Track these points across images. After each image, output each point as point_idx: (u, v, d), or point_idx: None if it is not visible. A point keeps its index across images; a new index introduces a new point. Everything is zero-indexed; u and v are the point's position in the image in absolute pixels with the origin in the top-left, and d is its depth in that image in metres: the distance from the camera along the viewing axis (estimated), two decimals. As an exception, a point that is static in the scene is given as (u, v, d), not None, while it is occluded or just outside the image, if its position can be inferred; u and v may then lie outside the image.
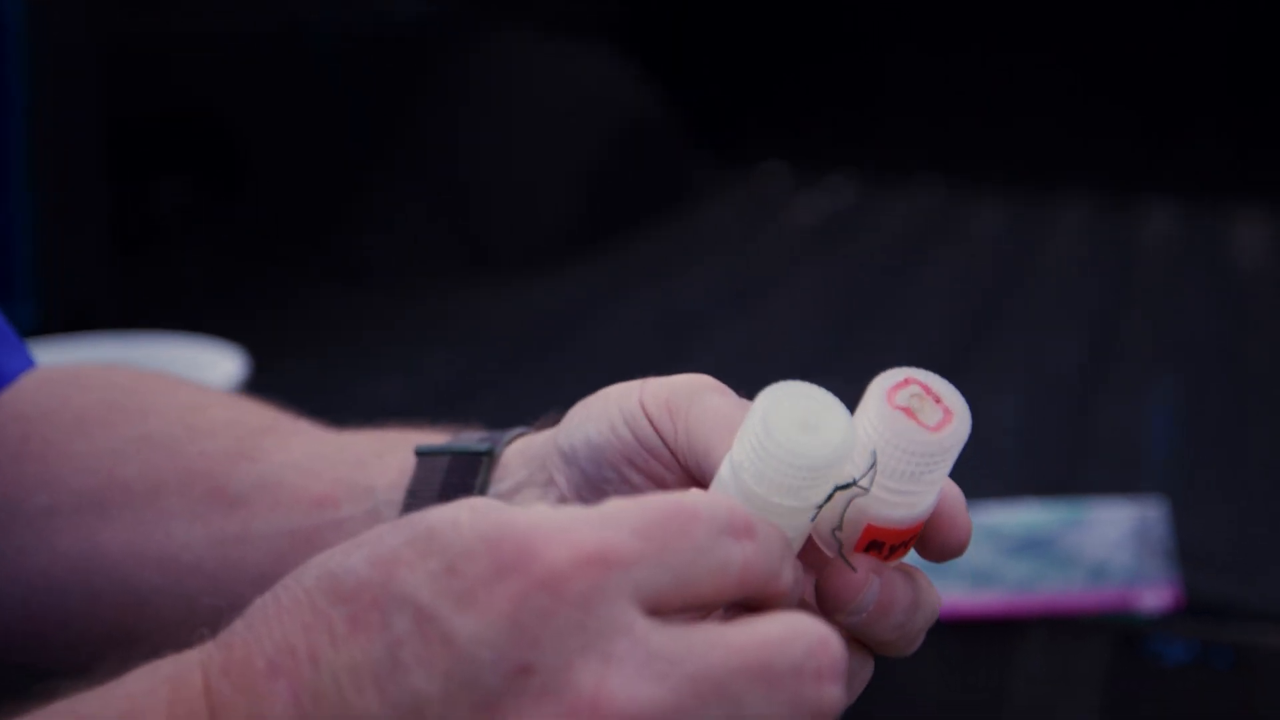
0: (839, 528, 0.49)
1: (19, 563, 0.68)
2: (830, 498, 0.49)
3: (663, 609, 0.43)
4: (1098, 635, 1.20)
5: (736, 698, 0.42)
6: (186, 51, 2.05)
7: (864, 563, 0.50)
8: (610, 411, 0.55)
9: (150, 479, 0.67)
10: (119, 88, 1.86)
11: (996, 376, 1.91)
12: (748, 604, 0.45)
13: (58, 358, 1.34)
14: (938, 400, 0.48)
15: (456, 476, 0.59)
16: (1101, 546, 1.29)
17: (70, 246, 1.78)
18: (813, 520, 0.49)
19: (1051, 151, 2.98)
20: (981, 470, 1.59)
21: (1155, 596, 1.21)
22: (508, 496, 0.57)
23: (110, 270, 1.81)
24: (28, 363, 0.74)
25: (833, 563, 0.50)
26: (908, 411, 0.48)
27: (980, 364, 1.98)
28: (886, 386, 0.48)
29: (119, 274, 1.83)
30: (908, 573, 0.51)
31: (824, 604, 0.50)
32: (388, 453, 0.63)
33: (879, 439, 0.48)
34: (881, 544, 0.50)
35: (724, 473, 0.50)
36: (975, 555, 1.30)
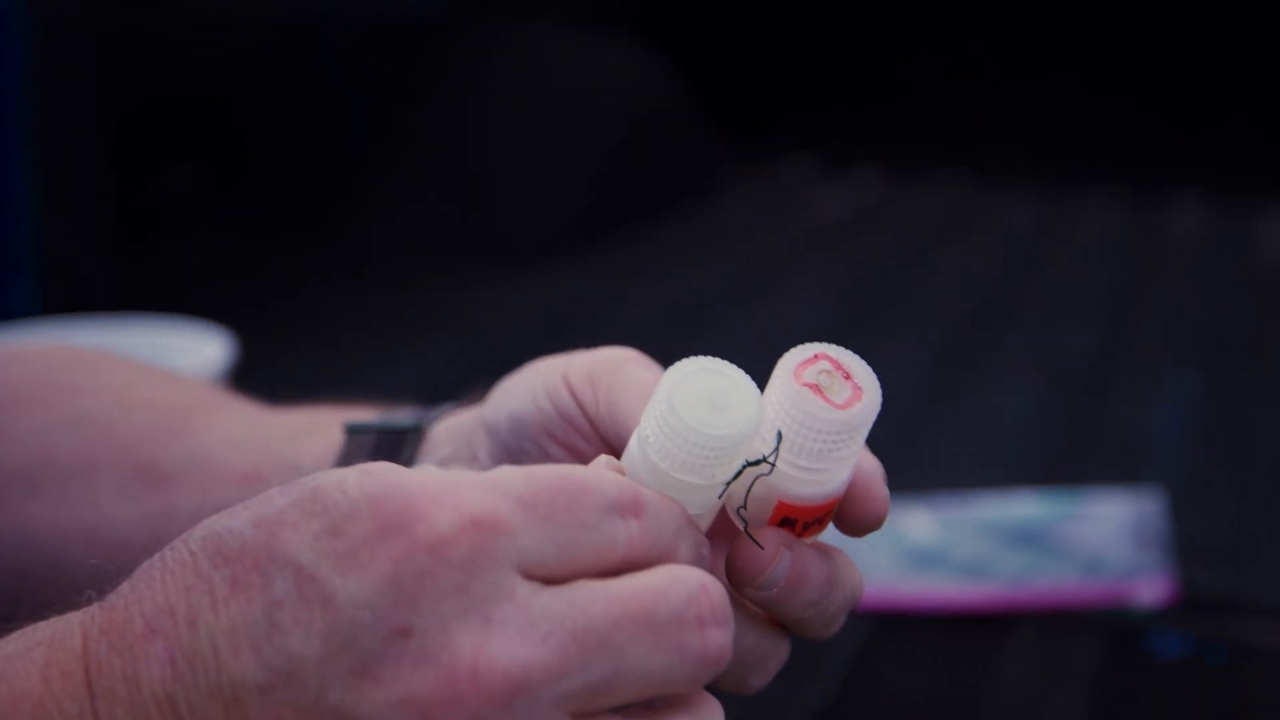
0: (744, 506, 0.48)
1: None
2: (739, 474, 0.48)
3: (545, 577, 0.42)
4: (1091, 630, 1.17)
5: (620, 649, 0.41)
6: (194, 41, 2.05)
7: (773, 537, 0.49)
8: (534, 384, 0.55)
9: (81, 456, 0.68)
10: (124, 76, 1.86)
11: (1007, 369, 1.89)
12: None
13: (39, 338, 1.34)
14: (847, 377, 0.47)
15: (383, 453, 0.58)
16: (1097, 539, 1.26)
17: (71, 232, 1.78)
18: (720, 497, 0.48)
19: (1078, 146, 2.95)
20: (983, 461, 1.57)
21: (1151, 591, 1.19)
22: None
23: (112, 256, 1.82)
24: None
25: (742, 537, 0.49)
26: (815, 388, 0.47)
27: (992, 356, 1.96)
28: (794, 363, 0.47)
29: (121, 260, 1.83)
30: (824, 551, 0.51)
31: (732, 578, 0.50)
32: (318, 430, 0.63)
33: (785, 417, 0.47)
34: (794, 521, 0.49)
35: (632, 446, 0.49)
36: (967, 547, 1.28)
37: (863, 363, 0.48)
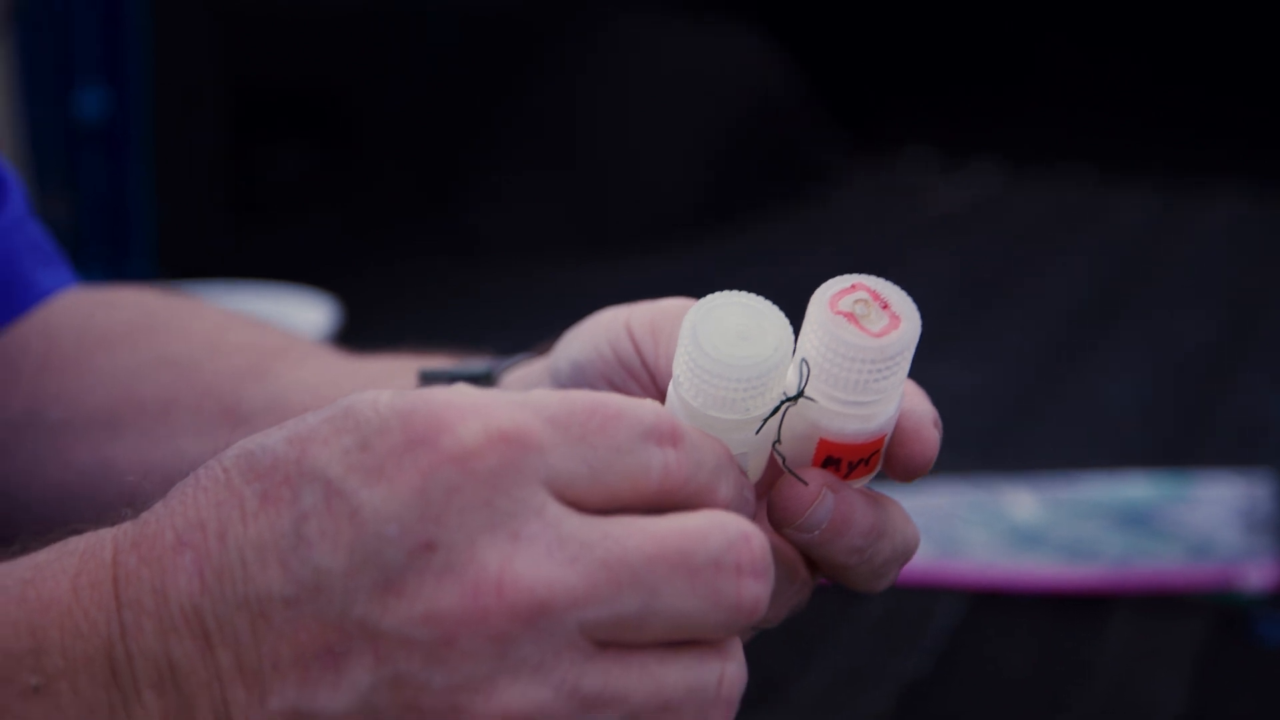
0: (778, 440, 0.47)
1: (33, 473, 0.70)
2: (777, 410, 0.46)
3: (578, 502, 0.41)
4: (1196, 613, 1.14)
5: (652, 586, 0.40)
6: (311, 23, 2.08)
7: (816, 477, 0.48)
8: (597, 332, 0.54)
9: (164, 397, 0.69)
10: (242, 57, 1.89)
11: (1122, 357, 1.85)
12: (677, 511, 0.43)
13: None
14: (885, 306, 0.45)
15: None
16: (1206, 522, 1.23)
17: (188, 206, 1.81)
18: (758, 433, 0.46)
19: (1200, 141, 2.88)
20: (1093, 445, 1.54)
21: (1260, 575, 1.15)
22: None
23: (226, 231, 1.85)
24: (66, 281, 0.75)
25: (784, 476, 0.48)
26: (850, 317, 0.45)
27: (1107, 345, 1.93)
28: (830, 293, 0.45)
29: (234, 235, 1.86)
30: (872, 497, 0.49)
31: (773, 519, 0.48)
32: (394, 376, 0.63)
33: (821, 346, 0.45)
34: (838, 460, 0.48)
35: (669, 391, 0.48)
36: (1071, 528, 1.25)
37: (902, 292, 0.46)
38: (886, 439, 0.48)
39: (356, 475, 0.40)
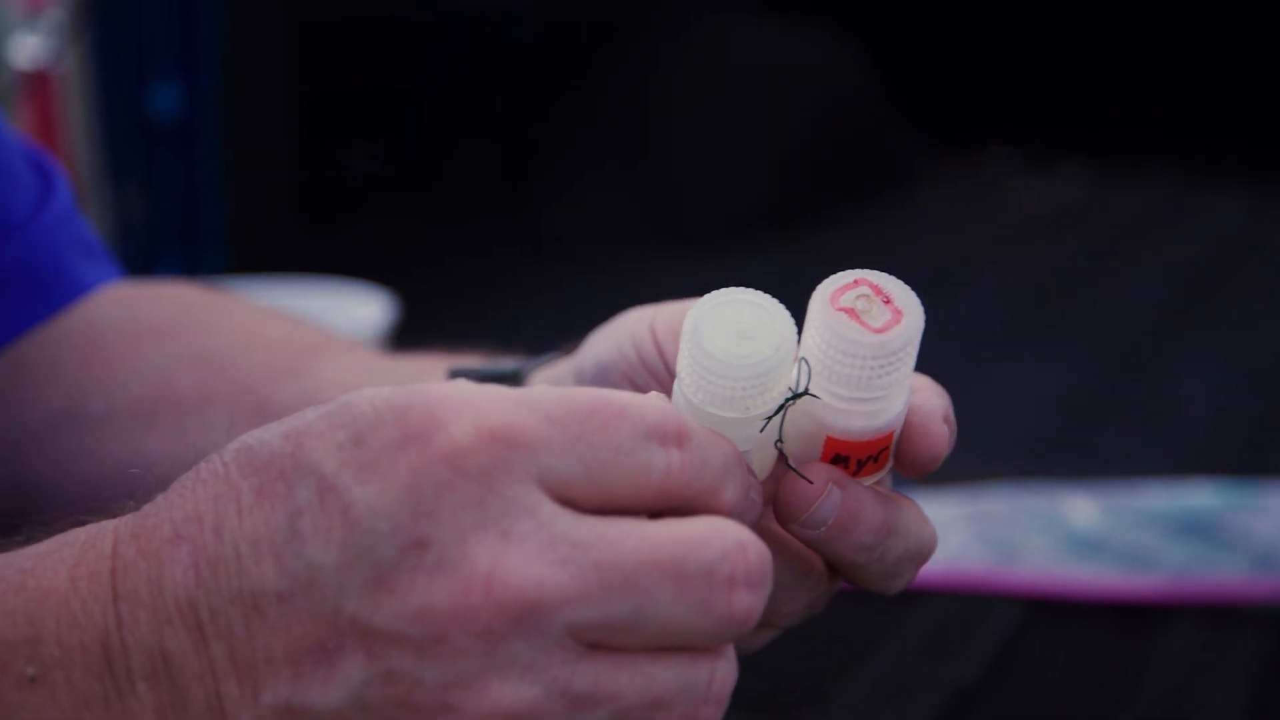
0: (780, 439, 0.46)
1: (72, 466, 0.71)
2: (781, 408, 0.46)
3: (573, 501, 0.41)
4: (1256, 626, 1.11)
5: (644, 591, 0.40)
6: (384, 22, 2.09)
7: (822, 473, 0.47)
8: (622, 332, 0.54)
9: (201, 391, 0.69)
10: (315, 54, 1.90)
11: (1201, 361, 1.82)
12: (680, 515, 0.42)
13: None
14: (888, 301, 0.45)
15: None
16: (1272, 532, 1.20)
17: (258, 201, 1.83)
18: (761, 431, 0.46)
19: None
20: (1162, 452, 1.51)
21: (1326, 588, 1.12)
22: None
23: (296, 227, 1.86)
24: (108, 276, 0.76)
25: (790, 472, 0.47)
26: (851, 313, 0.45)
27: (1184, 350, 1.89)
28: (832, 289, 0.45)
29: (305, 231, 1.88)
30: (884, 495, 0.49)
31: (778, 513, 0.48)
32: (424, 374, 0.64)
33: (822, 343, 0.45)
34: (846, 457, 0.47)
35: (675, 387, 0.47)
36: (1131, 536, 1.23)
37: (905, 287, 0.45)
38: (895, 435, 0.48)
39: (350, 471, 0.40)
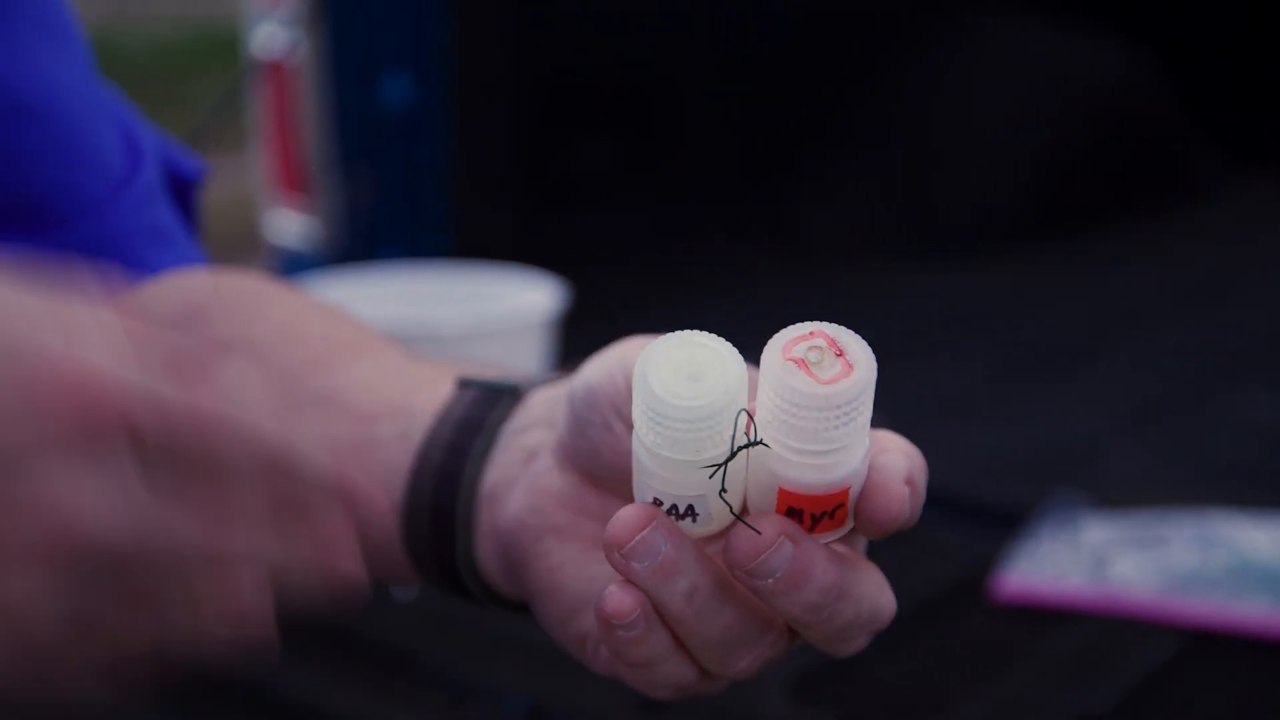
0: (724, 489, 0.46)
1: None
2: (734, 455, 0.45)
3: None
4: None
5: None
6: (617, 16, 2.10)
7: (773, 524, 0.46)
8: (613, 360, 0.54)
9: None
10: (545, 47, 1.93)
11: None
12: None
13: (390, 280, 1.42)
14: (840, 354, 0.44)
15: (478, 409, 0.59)
16: None
17: (484, 192, 1.87)
18: (711, 478, 0.46)
19: None
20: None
21: None
22: (521, 433, 0.57)
23: (518, 217, 1.90)
24: (181, 260, 0.78)
25: (738, 522, 0.47)
26: (801, 363, 0.44)
27: None
28: (785, 340, 0.45)
29: (526, 221, 1.91)
30: (840, 556, 0.48)
31: (728, 560, 0.47)
32: (439, 381, 0.65)
33: (772, 394, 0.45)
34: (800, 511, 0.46)
35: (634, 432, 0.47)
36: (1305, 570, 1.13)
37: (861, 342, 0.45)
38: (853, 492, 0.47)
39: None
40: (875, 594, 0.49)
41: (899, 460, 0.48)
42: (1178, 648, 1.08)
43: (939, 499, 1.32)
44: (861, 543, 0.52)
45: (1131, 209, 2.58)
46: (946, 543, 1.25)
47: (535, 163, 2.01)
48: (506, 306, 1.31)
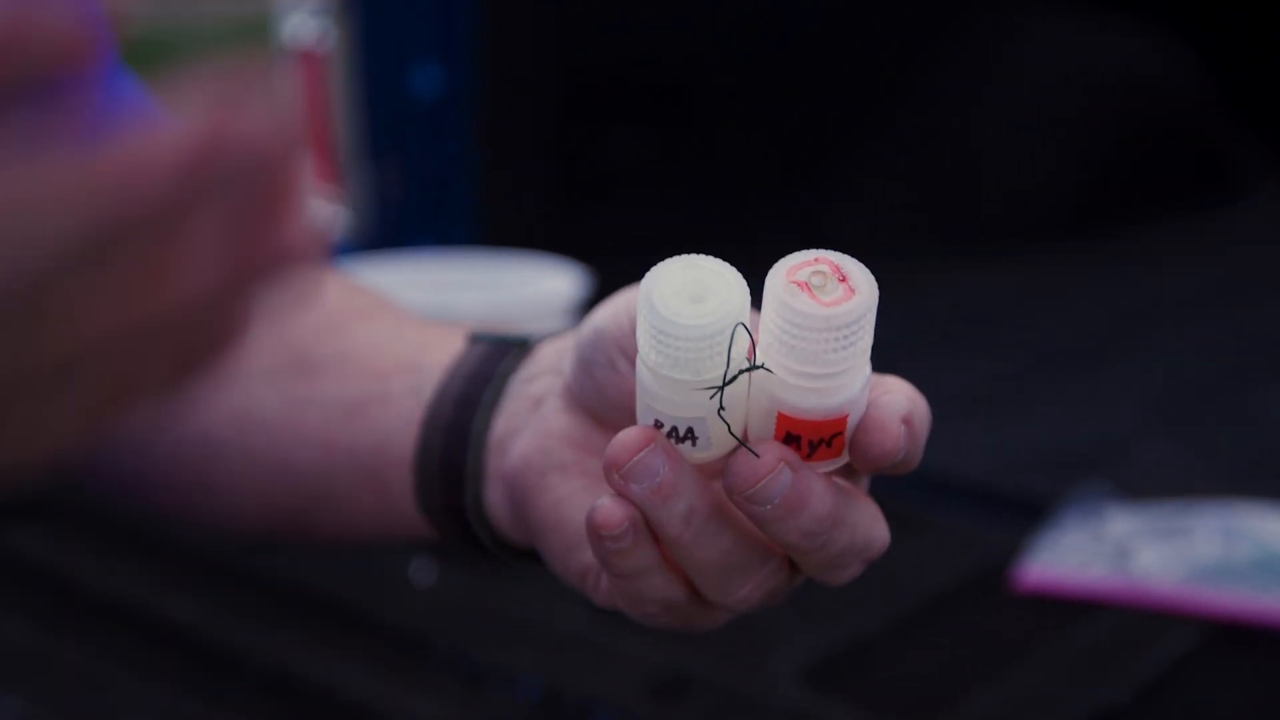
0: (722, 407, 0.46)
1: None
2: (737, 376, 0.46)
3: None
4: None
5: None
6: (647, 6, 2.10)
7: (772, 450, 0.47)
8: (619, 302, 0.55)
9: (249, 345, 0.72)
10: (575, 38, 1.93)
11: None
12: None
13: (414, 267, 1.42)
14: (843, 279, 0.45)
15: (488, 362, 0.60)
16: None
17: (512, 183, 1.87)
18: (711, 398, 0.46)
19: None
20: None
21: None
22: (530, 382, 0.58)
23: (546, 207, 1.90)
24: None
25: (741, 447, 0.47)
26: (804, 286, 0.45)
27: None
28: (790, 264, 0.46)
29: (555, 212, 1.91)
30: (836, 485, 0.48)
31: (726, 486, 0.48)
32: (450, 338, 0.66)
33: (775, 315, 0.46)
34: (798, 438, 0.47)
35: (638, 355, 0.48)
36: (1333, 564, 1.12)
37: (864, 269, 0.45)
38: (850, 422, 0.47)
39: None
40: (869, 524, 0.50)
41: (900, 400, 0.49)
42: (1199, 640, 1.08)
43: (964, 490, 1.33)
44: (864, 481, 0.52)
45: (1167, 206, 2.56)
46: (969, 534, 1.25)
47: (563, 154, 2.01)
48: (530, 293, 1.31)
